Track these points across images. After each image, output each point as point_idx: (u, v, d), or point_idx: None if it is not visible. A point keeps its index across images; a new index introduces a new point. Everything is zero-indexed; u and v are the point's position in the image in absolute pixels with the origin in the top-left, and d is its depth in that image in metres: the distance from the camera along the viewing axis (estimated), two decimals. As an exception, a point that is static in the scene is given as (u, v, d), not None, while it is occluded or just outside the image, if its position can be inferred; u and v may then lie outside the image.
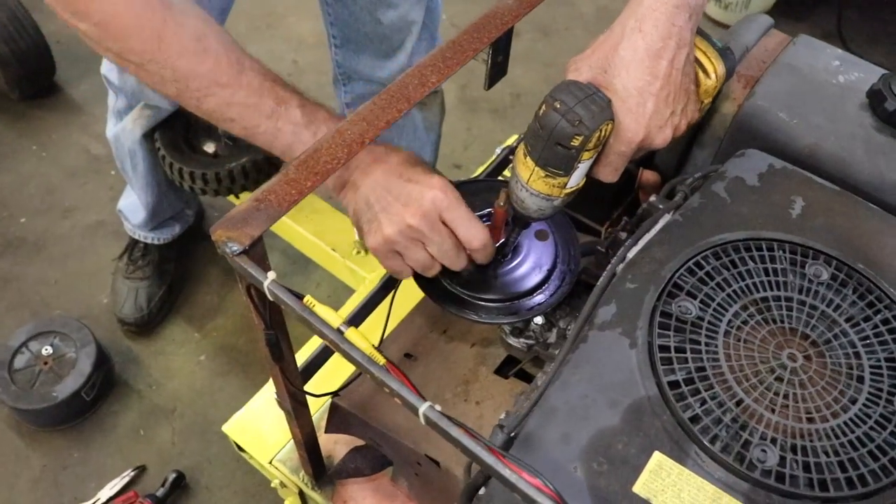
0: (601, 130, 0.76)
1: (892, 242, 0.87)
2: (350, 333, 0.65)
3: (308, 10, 2.63)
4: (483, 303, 0.94)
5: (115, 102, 1.61)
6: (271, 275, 0.67)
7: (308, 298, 0.67)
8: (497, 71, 0.95)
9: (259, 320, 0.78)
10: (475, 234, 0.86)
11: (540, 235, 0.99)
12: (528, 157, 0.79)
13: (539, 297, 0.95)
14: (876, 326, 0.80)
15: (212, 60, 0.84)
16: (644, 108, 0.80)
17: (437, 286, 0.95)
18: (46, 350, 1.74)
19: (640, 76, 0.79)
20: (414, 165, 0.87)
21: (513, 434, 0.76)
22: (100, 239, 2.06)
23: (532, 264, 0.97)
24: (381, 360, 0.65)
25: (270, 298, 0.69)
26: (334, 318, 0.66)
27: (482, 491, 0.79)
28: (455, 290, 0.94)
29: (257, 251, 0.69)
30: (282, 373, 0.85)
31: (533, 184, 0.80)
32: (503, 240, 0.94)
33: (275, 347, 0.79)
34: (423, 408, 0.61)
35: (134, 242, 1.90)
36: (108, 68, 1.54)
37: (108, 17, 0.80)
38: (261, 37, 2.56)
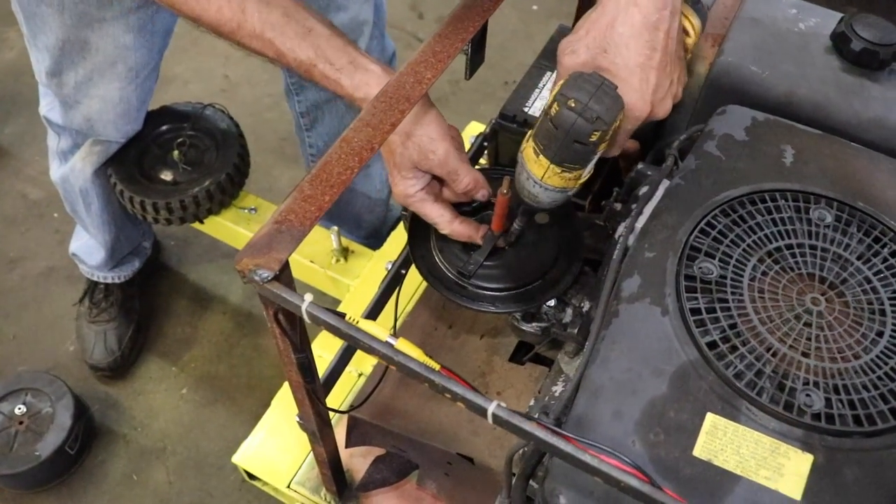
0: (617, 121, 0.77)
1: (883, 177, 0.90)
2: (401, 345, 0.64)
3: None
4: (496, 293, 0.94)
5: (59, 143, 1.54)
6: (308, 297, 0.65)
7: (349, 315, 0.66)
8: (478, 59, 0.94)
9: (287, 345, 0.76)
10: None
11: (540, 218, 0.99)
12: (541, 156, 0.78)
13: (550, 280, 0.95)
14: (885, 260, 0.82)
15: (214, 8, 0.86)
16: (647, 83, 0.80)
17: (447, 282, 0.94)
18: (20, 409, 1.66)
19: (641, 51, 0.79)
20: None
21: (562, 419, 0.76)
22: (54, 286, 1.98)
23: (537, 248, 0.97)
24: (437, 366, 0.64)
25: (308, 321, 0.67)
26: (380, 331, 0.65)
27: (536, 483, 0.79)
28: (466, 284, 0.94)
29: (287, 275, 0.67)
30: (312, 393, 0.83)
31: (548, 180, 0.80)
32: (509, 228, 0.94)
33: (307, 370, 0.77)
34: (491, 407, 0.60)
35: (94, 285, 1.83)
36: (48, 108, 1.48)
37: None
38: (187, 56, 2.49)
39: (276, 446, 1.25)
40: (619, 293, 0.80)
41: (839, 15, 1.04)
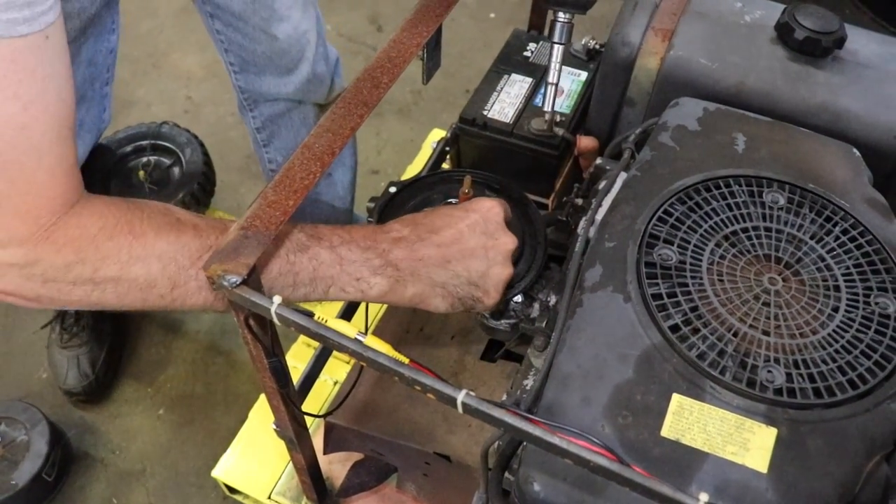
0: None
1: (830, 159, 0.93)
2: (370, 341, 0.65)
3: (190, 43, 2.58)
4: None
5: None
6: (277, 299, 0.66)
7: (318, 314, 0.67)
8: (433, 64, 0.96)
9: (259, 350, 0.77)
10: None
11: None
12: None
13: (515, 275, 0.96)
14: (837, 238, 0.85)
15: (191, 228, 0.75)
16: None
17: None
18: (-7, 439, 1.65)
19: None
20: (428, 218, 0.87)
21: (532, 409, 0.77)
22: (24, 313, 1.96)
23: None
24: (405, 360, 0.65)
25: (278, 323, 0.68)
26: (349, 329, 0.66)
27: (512, 475, 0.81)
28: None
29: (255, 279, 0.68)
30: (286, 398, 0.84)
31: None
32: None
33: (280, 374, 0.78)
34: (460, 396, 0.62)
35: (63, 311, 1.82)
36: None
37: (74, 237, 0.71)
38: (148, 79, 2.48)
39: (254, 458, 1.25)
40: (583, 283, 0.82)
41: (782, 6, 1.08)
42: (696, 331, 0.77)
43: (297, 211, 0.72)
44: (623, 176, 0.94)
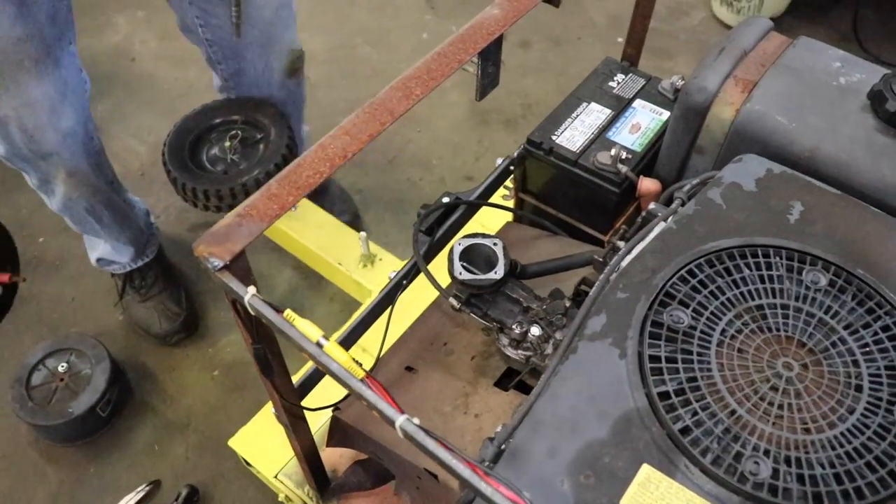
0: None
1: (894, 247, 0.85)
2: (330, 347, 0.65)
3: (318, 25, 2.65)
4: None
5: (30, 180, 1.57)
6: (251, 289, 0.67)
7: (288, 312, 0.67)
8: (488, 82, 0.94)
9: (246, 334, 0.78)
10: None
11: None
12: None
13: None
14: (876, 333, 0.77)
15: None
16: None
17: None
18: (62, 367, 1.75)
19: None
20: None
21: (502, 447, 0.75)
22: (116, 256, 2.08)
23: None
24: (360, 374, 0.64)
25: (252, 312, 0.68)
26: (314, 331, 0.66)
27: (473, 505, 0.78)
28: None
29: (240, 265, 0.69)
30: (273, 387, 0.84)
31: None
32: None
33: (263, 361, 0.79)
34: (399, 420, 0.60)
35: (128, 275, 1.90)
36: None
37: None
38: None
39: (271, 436, 1.28)
40: (583, 330, 0.79)
41: (884, 71, 0.99)
42: (686, 403, 0.72)
43: None
44: (661, 226, 0.90)
